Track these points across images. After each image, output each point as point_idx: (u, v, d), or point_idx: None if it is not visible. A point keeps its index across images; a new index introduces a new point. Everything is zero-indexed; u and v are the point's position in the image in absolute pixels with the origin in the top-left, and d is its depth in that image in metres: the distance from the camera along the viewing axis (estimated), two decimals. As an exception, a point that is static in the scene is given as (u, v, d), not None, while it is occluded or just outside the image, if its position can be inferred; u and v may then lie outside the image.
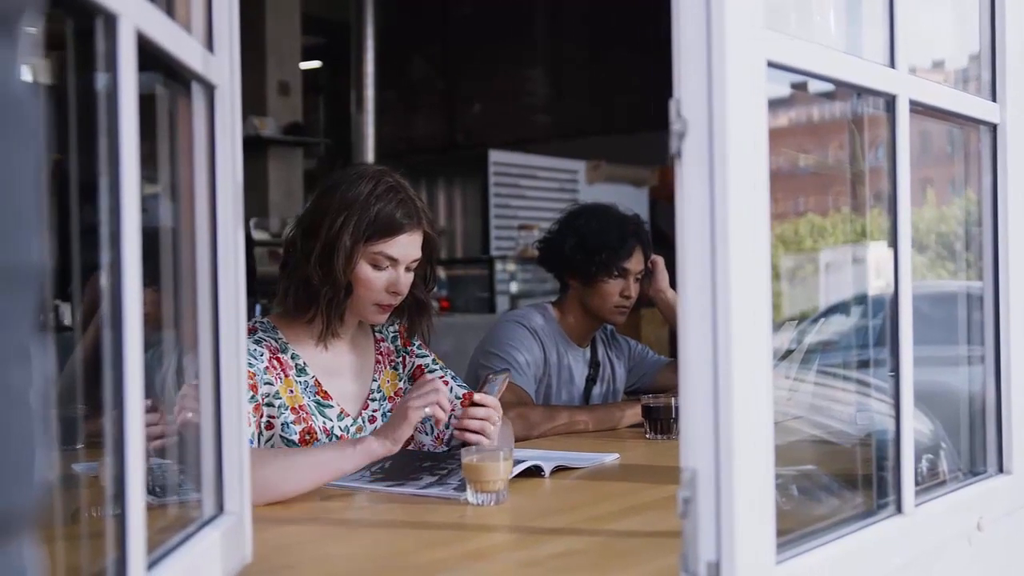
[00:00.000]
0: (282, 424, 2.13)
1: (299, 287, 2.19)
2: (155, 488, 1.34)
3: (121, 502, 1.01)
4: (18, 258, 0.55)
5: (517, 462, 2.02)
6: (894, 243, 1.52)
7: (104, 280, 1.02)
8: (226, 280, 1.37)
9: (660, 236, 6.00)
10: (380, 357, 2.37)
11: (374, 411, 2.31)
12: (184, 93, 1.33)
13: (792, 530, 1.32)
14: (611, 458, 2.33)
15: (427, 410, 1.97)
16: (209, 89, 1.35)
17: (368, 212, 2.15)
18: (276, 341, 2.21)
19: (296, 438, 2.14)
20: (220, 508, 1.37)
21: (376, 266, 2.18)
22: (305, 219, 2.22)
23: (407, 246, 2.20)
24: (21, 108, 0.56)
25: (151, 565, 1.09)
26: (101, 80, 1.02)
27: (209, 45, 1.35)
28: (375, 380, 2.34)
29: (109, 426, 1.01)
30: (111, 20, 1.00)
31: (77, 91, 1.05)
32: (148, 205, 1.09)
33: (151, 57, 1.12)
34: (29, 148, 0.56)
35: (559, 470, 2.16)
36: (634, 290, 3.00)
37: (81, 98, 1.05)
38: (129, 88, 1.02)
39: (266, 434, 2.11)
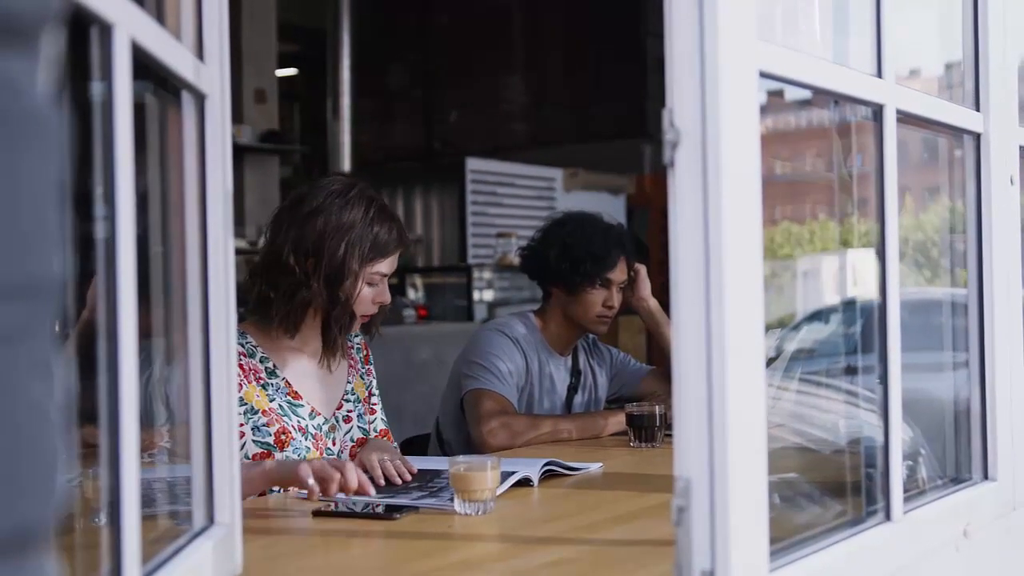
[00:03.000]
0: (254, 428, 2.18)
1: (300, 309, 2.23)
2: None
3: (116, 513, 1.00)
4: (40, 271, 0.54)
5: (506, 474, 2.02)
6: (882, 251, 1.52)
7: (99, 290, 1.01)
8: (217, 289, 1.36)
9: (637, 244, 6.01)
10: (352, 362, 2.44)
11: (348, 411, 2.37)
12: (174, 102, 1.32)
13: (784, 538, 1.32)
14: (595, 467, 2.34)
15: (311, 481, 1.90)
16: (199, 98, 1.34)
17: (368, 236, 2.23)
18: (243, 346, 2.22)
19: (271, 439, 2.19)
20: (211, 519, 1.36)
21: (370, 284, 2.27)
22: (298, 240, 2.22)
23: (395, 261, 2.31)
24: (43, 121, 0.55)
25: (145, 577, 1.09)
26: (95, 88, 1.02)
27: (200, 54, 1.34)
28: (349, 382, 2.40)
29: (104, 437, 1.00)
30: (106, 29, 0.99)
31: (70, 99, 1.04)
32: (137, 214, 1.08)
33: (142, 66, 1.11)
34: (51, 160, 0.56)
35: (548, 477, 2.17)
36: (617, 300, 3.00)
37: (74, 106, 1.04)
38: (124, 97, 1.01)
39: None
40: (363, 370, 2.46)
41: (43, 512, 0.55)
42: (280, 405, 2.23)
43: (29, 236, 0.54)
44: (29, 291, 0.54)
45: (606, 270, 2.97)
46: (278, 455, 2.17)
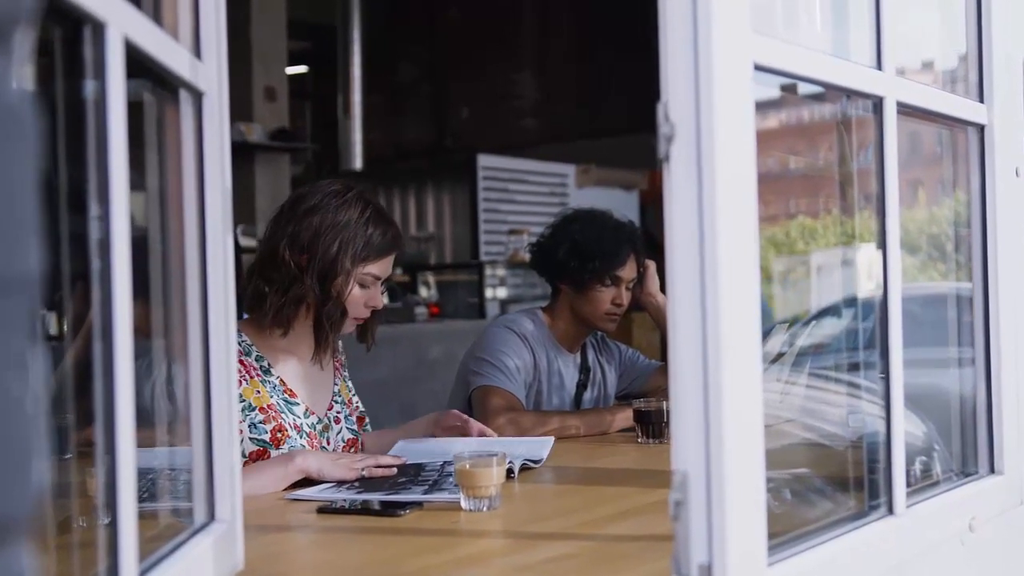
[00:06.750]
0: (250, 425, 2.21)
1: (293, 304, 2.26)
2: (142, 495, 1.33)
3: (113, 511, 1.01)
4: (16, 265, 0.55)
5: None
6: (883, 245, 1.52)
7: (94, 289, 1.01)
8: (216, 288, 1.37)
9: (650, 240, 6.02)
10: (337, 366, 2.49)
11: (337, 413, 2.42)
12: (171, 100, 1.33)
13: (784, 532, 1.32)
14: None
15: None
16: (197, 96, 1.34)
17: (362, 236, 2.27)
18: (239, 345, 2.25)
19: (267, 437, 2.22)
20: (211, 516, 1.37)
21: (362, 285, 2.30)
22: (294, 236, 2.26)
23: (390, 265, 2.35)
24: (18, 117, 0.56)
25: (143, 573, 1.09)
26: (89, 87, 1.02)
27: (197, 52, 1.34)
28: (336, 384, 2.45)
29: (100, 433, 1.01)
30: (99, 28, 1.00)
31: (64, 98, 1.05)
32: (135, 213, 1.08)
33: (138, 64, 1.11)
34: (26, 156, 0.56)
35: (551, 471, 2.18)
36: (626, 298, 2.99)
37: (68, 105, 1.04)
38: (117, 95, 1.02)
39: None
40: (344, 375, 2.51)
41: (19, 504, 0.55)
42: (278, 402, 2.27)
43: (5, 232, 0.55)
44: (5, 285, 0.54)
45: (615, 268, 2.96)
46: (274, 453, 2.19)
